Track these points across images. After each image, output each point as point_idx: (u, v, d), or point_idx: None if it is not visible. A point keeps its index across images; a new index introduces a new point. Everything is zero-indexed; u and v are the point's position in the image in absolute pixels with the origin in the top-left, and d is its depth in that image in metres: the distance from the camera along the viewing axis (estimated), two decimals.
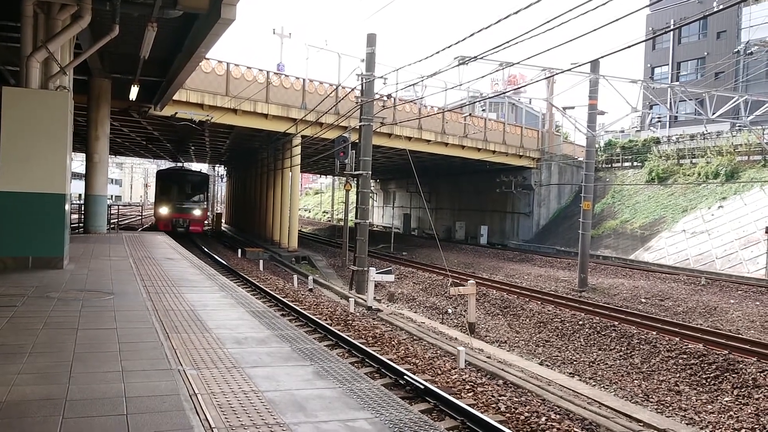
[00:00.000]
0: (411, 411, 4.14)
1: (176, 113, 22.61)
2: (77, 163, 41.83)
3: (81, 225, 20.43)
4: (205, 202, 34.08)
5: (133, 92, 17.43)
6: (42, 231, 9.86)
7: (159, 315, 6.69)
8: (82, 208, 20.24)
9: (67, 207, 10.24)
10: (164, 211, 31.38)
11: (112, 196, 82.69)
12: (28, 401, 3.77)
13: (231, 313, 7.16)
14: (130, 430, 3.38)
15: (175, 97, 21.48)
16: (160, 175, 34.27)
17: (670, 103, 27.51)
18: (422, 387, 7.92)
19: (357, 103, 20.68)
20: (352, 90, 21.61)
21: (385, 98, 21.48)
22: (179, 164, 41.66)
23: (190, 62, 14.10)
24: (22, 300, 7.13)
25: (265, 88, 25.20)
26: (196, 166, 50.71)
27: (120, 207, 44.28)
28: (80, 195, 27.52)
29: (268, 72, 25.70)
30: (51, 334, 5.55)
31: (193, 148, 37.98)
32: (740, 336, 13.87)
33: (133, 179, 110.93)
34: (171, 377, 4.43)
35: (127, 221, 43.81)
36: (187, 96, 22.89)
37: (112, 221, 23.97)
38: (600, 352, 13.49)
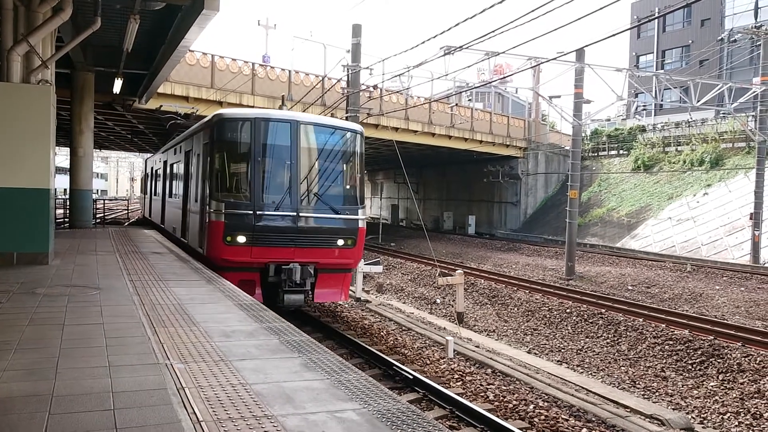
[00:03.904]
0: (399, 401, 4.15)
1: (161, 106, 22.37)
2: (62, 157, 41.38)
3: (66, 220, 20.24)
4: (362, 207, 11.25)
5: (117, 85, 17.22)
6: (26, 227, 9.76)
7: (146, 309, 6.65)
8: (68, 203, 20.02)
9: (51, 202, 10.14)
10: (241, 238, 10.12)
11: (97, 190, 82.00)
12: (14, 398, 3.75)
13: (218, 306, 7.13)
14: (117, 425, 3.37)
15: (160, 90, 21.27)
16: (228, 128, 10.59)
17: (655, 91, 27.70)
18: (411, 377, 7.96)
19: (343, 94, 20.58)
20: (338, 81, 21.48)
21: (371, 89, 21.38)
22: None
23: (174, 55, 13.97)
24: (8, 296, 7.07)
25: (250, 80, 25.02)
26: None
27: (106, 201, 43.80)
28: (65, 190, 27.11)
29: (253, 63, 25.51)
30: (37, 331, 5.51)
31: None
32: (725, 321, 14.06)
33: (119, 173, 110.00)
34: (158, 371, 4.42)
35: (113, 216, 43.46)
36: (172, 88, 22.66)
37: (98, 216, 23.75)
38: (587, 339, 13.61)
